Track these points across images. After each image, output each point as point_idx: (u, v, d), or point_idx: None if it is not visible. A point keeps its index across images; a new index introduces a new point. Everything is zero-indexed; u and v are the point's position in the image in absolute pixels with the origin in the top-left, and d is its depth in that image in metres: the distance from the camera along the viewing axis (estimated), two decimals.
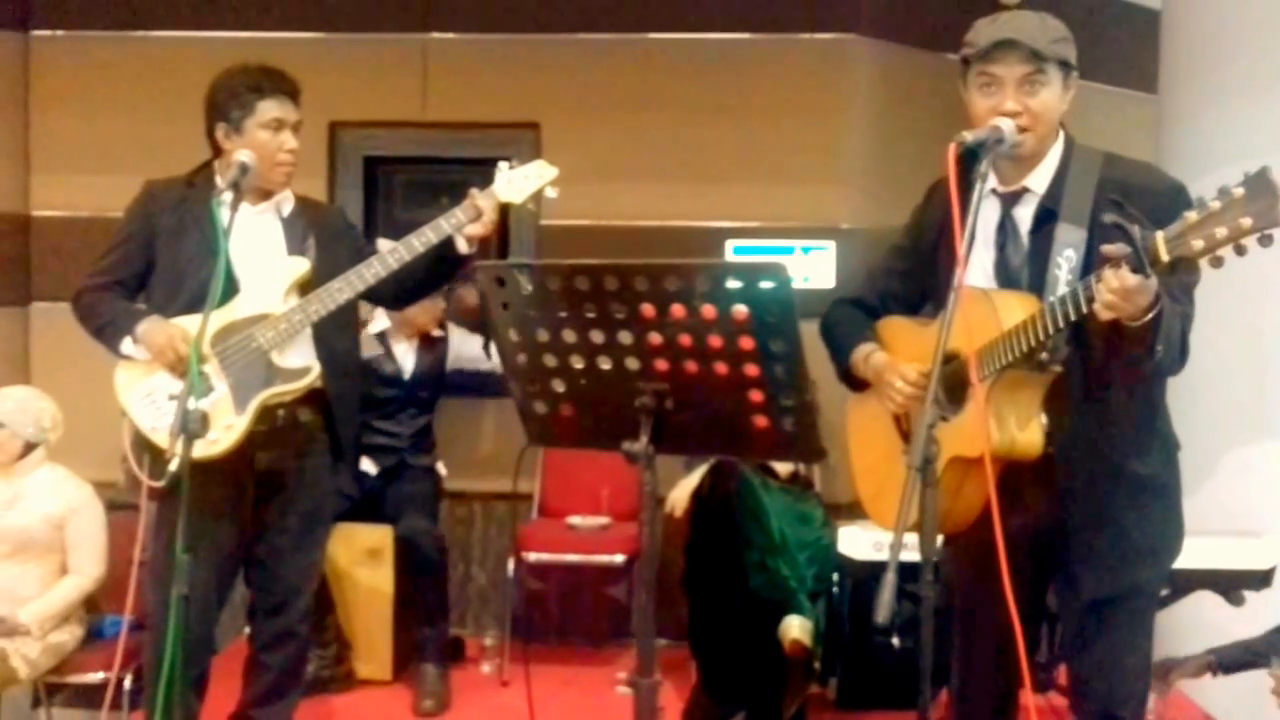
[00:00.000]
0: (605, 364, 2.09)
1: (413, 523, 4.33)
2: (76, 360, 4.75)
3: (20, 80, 5.08)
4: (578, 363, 2.12)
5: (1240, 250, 1.92)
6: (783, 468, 4.24)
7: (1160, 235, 1.98)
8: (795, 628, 3.76)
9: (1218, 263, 1.95)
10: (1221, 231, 1.91)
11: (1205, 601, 3.64)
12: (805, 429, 2.03)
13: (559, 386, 2.17)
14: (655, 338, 2.04)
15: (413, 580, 4.34)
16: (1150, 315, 2.06)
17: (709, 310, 1.97)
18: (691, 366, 2.04)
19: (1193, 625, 3.91)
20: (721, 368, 2.02)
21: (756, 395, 2.03)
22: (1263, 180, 1.89)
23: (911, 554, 2.00)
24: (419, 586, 4.33)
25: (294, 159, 3.16)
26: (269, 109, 3.09)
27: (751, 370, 2.01)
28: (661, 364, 2.06)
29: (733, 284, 1.94)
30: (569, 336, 2.10)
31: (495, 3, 5.09)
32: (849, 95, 5.04)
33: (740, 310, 1.95)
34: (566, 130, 4.98)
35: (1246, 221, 1.88)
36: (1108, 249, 2.02)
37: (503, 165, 3.27)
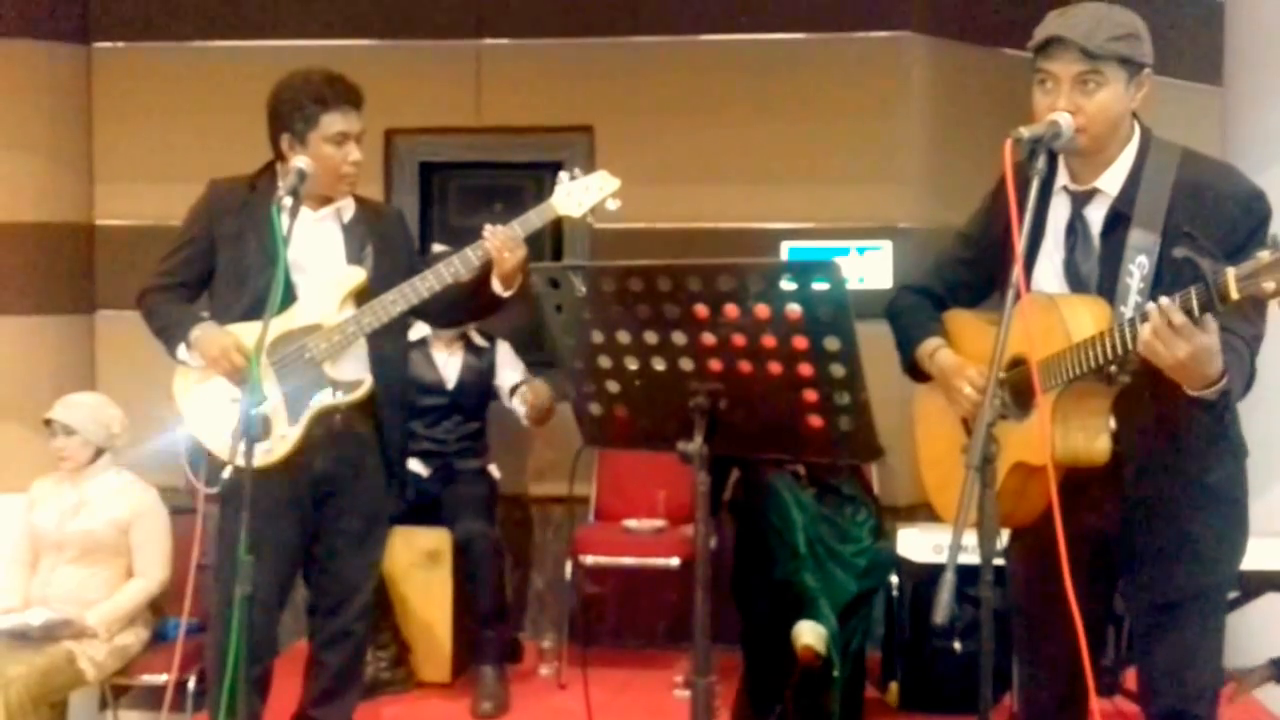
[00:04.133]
0: (659, 365, 2.10)
1: (469, 525, 4.35)
2: (141, 367, 4.81)
3: (83, 92, 5.17)
4: (632, 364, 2.12)
5: None
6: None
7: (1232, 272, 1.93)
8: (807, 633, 3.77)
9: None
10: None
11: (1276, 604, 3.56)
12: (861, 428, 2.01)
13: (613, 388, 2.17)
14: (709, 338, 2.04)
15: (469, 582, 4.36)
16: (1217, 387, 2.05)
17: (762, 310, 1.96)
18: (745, 366, 2.04)
19: (1263, 628, 3.84)
20: (775, 367, 2.02)
21: (811, 395, 2.02)
22: None
23: (972, 556, 1.98)
24: (476, 589, 4.35)
25: (357, 170, 3.14)
26: (333, 122, 3.06)
27: (805, 370, 2.00)
28: (715, 364, 2.06)
29: (786, 284, 1.93)
30: (623, 338, 2.11)
31: (548, 7, 5.10)
32: (904, 94, 5.00)
33: (794, 310, 1.95)
34: (620, 133, 4.99)
35: None
36: (1163, 302, 1.99)
37: (563, 176, 3.20)
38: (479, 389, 4.64)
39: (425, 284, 3.09)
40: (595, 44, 5.07)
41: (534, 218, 3.14)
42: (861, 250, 4.92)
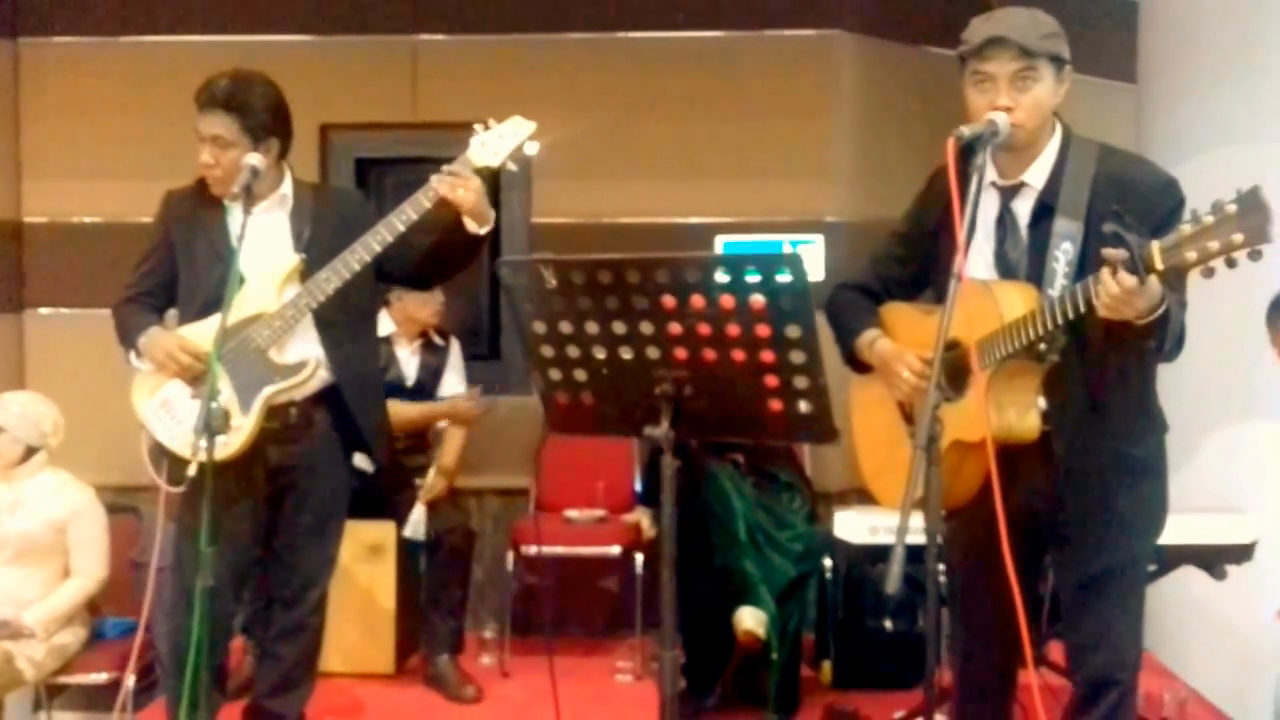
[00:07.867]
0: (626, 354, 2.18)
1: (446, 517, 4.42)
2: (71, 365, 4.78)
3: (10, 88, 5.09)
4: (600, 353, 2.20)
5: (1231, 263, 2.03)
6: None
7: (1156, 245, 2.08)
8: (748, 618, 3.88)
9: (1209, 273, 2.06)
10: (1214, 245, 2.03)
11: (1190, 576, 3.74)
12: (819, 411, 2.11)
13: (581, 376, 2.25)
14: (675, 327, 2.12)
15: (442, 573, 4.40)
16: (1156, 314, 2.16)
17: (727, 300, 2.05)
18: (710, 354, 2.12)
19: (1177, 599, 4.03)
20: (739, 354, 2.11)
21: (772, 380, 2.11)
22: (1254, 199, 2.01)
23: (914, 536, 2.08)
24: (447, 579, 4.40)
25: (212, 172, 3.09)
26: (197, 121, 3.08)
27: (767, 356, 2.09)
28: (681, 352, 2.14)
29: (751, 275, 2.02)
30: (591, 328, 2.18)
31: (483, 4, 5.14)
32: (835, 91, 5.12)
33: (758, 299, 2.04)
34: (555, 129, 5.03)
35: (1238, 237, 2.00)
36: (1107, 253, 2.11)
37: (477, 127, 3.13)
38: (432, 388, 4.67)
39: (356, 256, 3.03)
40: (531, 40, 5.13)
41: (458, 168, 3.08)
42: (794, 244, 5.02)
